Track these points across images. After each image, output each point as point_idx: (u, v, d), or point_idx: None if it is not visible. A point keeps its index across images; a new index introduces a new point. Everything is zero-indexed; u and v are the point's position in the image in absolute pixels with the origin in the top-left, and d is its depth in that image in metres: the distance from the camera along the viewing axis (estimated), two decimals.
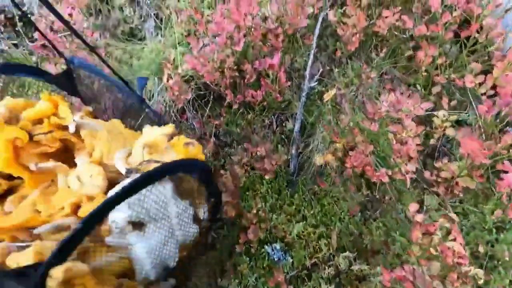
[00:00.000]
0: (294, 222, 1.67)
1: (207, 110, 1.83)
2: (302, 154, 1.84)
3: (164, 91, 1.72)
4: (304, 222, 1.68)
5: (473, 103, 1.44)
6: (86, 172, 0.90)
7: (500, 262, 1.23)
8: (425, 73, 1.49)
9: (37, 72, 1.17)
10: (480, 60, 1.34)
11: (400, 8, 1.46)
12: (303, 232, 1.65)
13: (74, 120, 1.00)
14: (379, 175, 1.33)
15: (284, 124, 1.90)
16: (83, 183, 0.88)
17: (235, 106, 1.59)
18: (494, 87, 1.29)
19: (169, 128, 0.94)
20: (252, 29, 1.43)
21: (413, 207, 1.08)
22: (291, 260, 1.59)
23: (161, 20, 2.00)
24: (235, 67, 1.57)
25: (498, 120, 1.16)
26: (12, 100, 0.99)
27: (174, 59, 1.62)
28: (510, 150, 1.08)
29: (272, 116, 1.87)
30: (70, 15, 1.54)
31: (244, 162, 1.64)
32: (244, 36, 1.39)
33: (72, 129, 0.97)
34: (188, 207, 0.92)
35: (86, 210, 0.84)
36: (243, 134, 1.82)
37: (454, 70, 1.45)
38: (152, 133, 0.93)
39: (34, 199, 0.91)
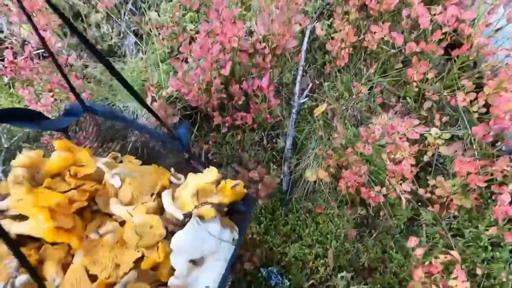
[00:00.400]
0: (290, 243, 1.64)
1: (195, 131, 1.76)
2: (295, 171, 1.80)
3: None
4: (300, 242, 1.66)
5: (464, 118, 1.43)
6: (146, 224, 0.87)
7: (496, 281, 1.24)
8: (416, 89, 1.47)
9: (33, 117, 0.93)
10: (471, 78, 1.32)
11: (389, 23, 1.42)
12: (299, 252, 1.62)
13: (99, 166, 0.96)
14: (374, 197, 1.31)
15: (275, 141, 1.85)
16: (142, 235, 0.86)
17: (224, 130, 1.52)
18: (486, 104, 1.28)
19: (215, 174, 0.96)
20: (238, 51, 1.37)
21: (412, 241, 1.06)
22: (288, 283, 1.56)
23: (141, 36, 1.91)
24: (222, 87, 1.51)
25: (491, 140, 1.15)
26: (27, 157, 0.88)
27: (157, 81, 1.54)
28: (504, 172, 1.07)
29: (263, 133, 1.82)
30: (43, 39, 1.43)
31: None
32: (230, 59, 1.33)
33: (117, 183, 0.92)
34: (229, 233, 0.95)
35: (152, 260, 0.84)
36: (233, 153, 1.77)
37: (445, 86, 1.43)
38: (199, 180, 0.95)
39: (82, 263, 0.82)
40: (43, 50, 1.80)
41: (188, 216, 0.86)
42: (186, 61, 1.65)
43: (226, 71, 1.31)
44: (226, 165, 1.81)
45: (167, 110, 1.52)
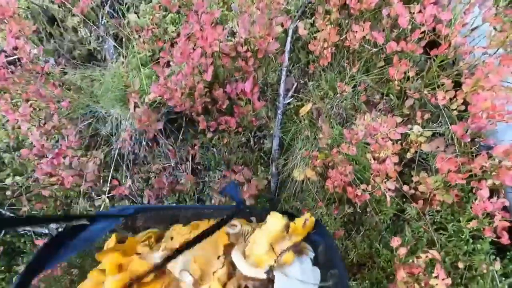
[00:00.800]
0: None
1: (180, 135, 1.74)
2: (283, 171, 1.81)
3: (133, 118, 1.62)
4: None
5: (445, 115, 1.46)
6: None
7: (477, 272, 1.28)
8: (398, 87, 1.49)
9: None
10: (451, 76, 1.35)
11: (369, 22, 1.43)
12: None
13: (158, 260, 0.85)
14: (360, 196, 1.33)
15: (262, 142, 1.85)
16: None
17: (209, 135, 1.51)
18: (465, 101, 1.31)
19: (280, 221, 0.87)
20: (220, 54, 1.35)
21: (395, 241, 1.09)
22: None
23: (121, 40, 1.86)
24: (206, 91, 1.50)
25: (469, 140, 1.18)
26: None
27: (139, 86, 1.51)
28: (483, 169, 1.11)
29: (249, 134, 1.82)
30: (16, 48, 1.38)
31: None
32: (212, 63, 1.31)
33: (189, 280, 0.84)
34: (308, 259, 0.87)
35: None
36: (220, 155, 1.76)
37: (425, 84, 1.45)
38: (268, 234, 0.87)
39: None
40: (17, 56, 1.74)
41: (269, 272, 0.80)
42: (168, 65, 1.62)
43: (208, 77, 1.29)
44: (214, 169, 1.81)
45: (150, 116, 1.50)
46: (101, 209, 1.72)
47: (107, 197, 1.73)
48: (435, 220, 1.50)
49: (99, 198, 1.81)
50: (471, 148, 1.26)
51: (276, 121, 1.75)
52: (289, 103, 1.79)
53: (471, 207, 1.36)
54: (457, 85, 1.39)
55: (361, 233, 1.63)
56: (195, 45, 1.36)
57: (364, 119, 1.24)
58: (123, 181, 1.84)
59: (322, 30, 1.59)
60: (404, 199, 1.57)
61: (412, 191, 1.45)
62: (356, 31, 1.48)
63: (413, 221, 1.55)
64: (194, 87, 1.42)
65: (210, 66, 1.30)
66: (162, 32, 1.84)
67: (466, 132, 1.10)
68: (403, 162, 1.60)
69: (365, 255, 1.60)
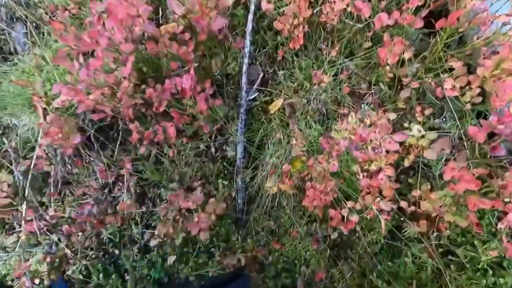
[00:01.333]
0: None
1: (117, 147, 1.36)
2: (252, 184, 1.46)
3: (42, 130, 1.21)
4: (262, 273, 1.35)
5: (451, 108, 1.12)
6: None
7: None
8: (390, 74, 1.14)
9: None
10: (461, 56, 1.00)
11: None
12: (262, 287, 1.31)
13: None
14: (347, 224, 1.00)
15: (225, 148, 1.49)
16: None
17: (142, 150, 1.14)
18: (482, 91, 0.97)
19: None
20: (146, 39, 0.96)
21: None
22: None
23: (35, 24, 1.43)
24: (144, 89, 1.11)
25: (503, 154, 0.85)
26: None
27: (44, 87, 1.11)
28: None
29: (209, 140, 1.45)
30: None
31: (175, 216, 1.22)
32: (133, 51, 0.92)
33: None
34: None
35: None
36: (170, 171, 1.39)
37: (426, 69, 1.11)
38: None
39: None
40: None
41: None
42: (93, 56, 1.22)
43: (126, 69, 0.91)
44: (166, 186, 1.43)
45: (63, 127, 1.11)
46: (17, 246, 1.34)
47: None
48: (441, 242, 1.19)
49: (21, 231, 1.42)
50: (495, 164, 0.93)
51: (239, 122, 1.38)
52: (254, 99, 1.42)
53: (487, 225, 1.05)
54: (468, 70, 1.05)
55: (350, 259, 1.31)
56: (113, 28, 0.96)
57: (347, 122, 0.89)
58: (51, 206, 1.46)
59: (291, 2, 1.21)
60: (401, 216, 1.25)
61: (413, 208, 1.13)
62: (334, 2, 1.11)
63: (414, 242, 1.24)
64: (118, 84, 1.03)
65: (130, 56, 0.92)
66: (87, 13, 1.42)
67: (490, 138, 0.77)
68: (399, 169, 1.27)
69: (356, 287, 1.29)
